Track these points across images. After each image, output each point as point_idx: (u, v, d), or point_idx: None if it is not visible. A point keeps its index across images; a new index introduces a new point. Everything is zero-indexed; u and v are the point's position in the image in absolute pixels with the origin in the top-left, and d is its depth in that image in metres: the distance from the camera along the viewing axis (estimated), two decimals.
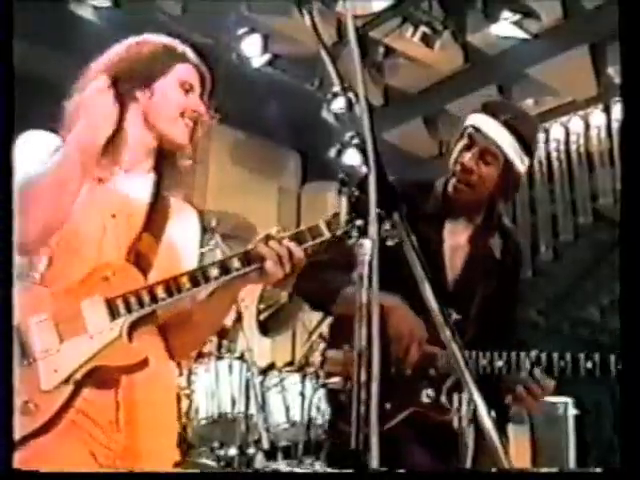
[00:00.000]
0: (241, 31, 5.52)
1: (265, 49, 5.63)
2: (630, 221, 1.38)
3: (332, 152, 6.51)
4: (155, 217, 1.75)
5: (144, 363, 1.62)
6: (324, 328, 4.20)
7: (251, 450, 3.65)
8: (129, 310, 1.59)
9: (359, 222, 1.25)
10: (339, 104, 5.96)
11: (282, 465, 3.65)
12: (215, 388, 3.78)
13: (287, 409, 3.90)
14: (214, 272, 1.63)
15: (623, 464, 1.30)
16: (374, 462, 1.04)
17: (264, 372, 4.01)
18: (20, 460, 1.47)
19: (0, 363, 1.39)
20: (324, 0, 4.74)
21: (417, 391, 2.22)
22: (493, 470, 1.30)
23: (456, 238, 2.36)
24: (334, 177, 5.58)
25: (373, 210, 1.11)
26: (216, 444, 3.70)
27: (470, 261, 2.36)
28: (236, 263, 1.63)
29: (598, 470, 1.38)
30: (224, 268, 1.63)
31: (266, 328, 4.20)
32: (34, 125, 1.78)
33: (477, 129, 2.26)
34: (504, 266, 2.41)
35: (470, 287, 2.34)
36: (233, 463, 3.62)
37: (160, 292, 1.60)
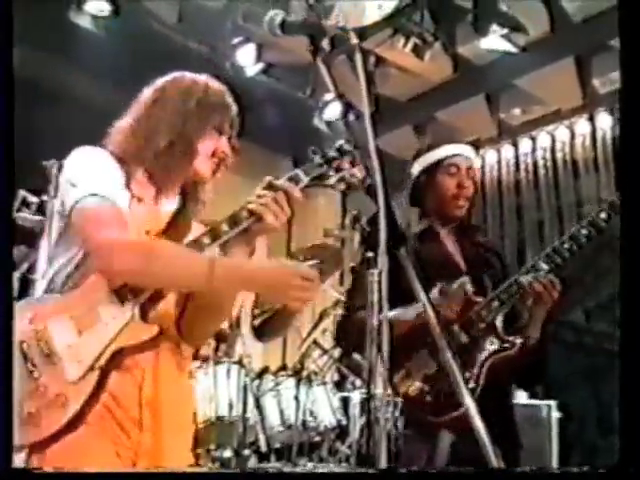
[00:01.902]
0: (236, 40, 5.61)
1: (259, 58, 5.72)
2: (630, 223, 1.45)
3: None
4: (178, 236, 1.85)
5: (160, 336, 1.74)
6: (317, 334, 4.32)
7: (246, 452, 3.74)
8: (134, 294, 1.70)
9: (369, 254, 1.37)
10: (331, 112, 6.07)
11: (276, 466, 3.76)
12: (213, 392, 3.87)
13: (282, 412, 4.02)
14: (206, 240, 1.74)
15: (621, 463, 1.37)
16: (382, 462, 1.16)
17: (259, 376, 4.10)
18: (51, 457, 1.60)
19: (0, 364, 1.49)
20: (318, 12, 4.85)
21: (481, 347, 2.46)
22: (491, 470, 1.39)
23: (451, 241, 2.74)
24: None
25: (383, 244, 1.23)
26: (212, 446, 3.80)
27: (466, 253, 2.73)
28: (225, 227, 1.75)
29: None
30: (214, 235, 1.74)
31: (260, 333, 4.29)
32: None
33: (458, 155, 2.71)
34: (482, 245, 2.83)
35: (477, 270, 2.67)
36: (229, 464, 3.71)
37: None
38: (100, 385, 1.66)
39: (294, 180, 1.80)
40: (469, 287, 2.51)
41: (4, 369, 1.51)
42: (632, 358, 1.40)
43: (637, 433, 1.37)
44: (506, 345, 2.47)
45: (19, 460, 1.58)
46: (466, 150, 2.75)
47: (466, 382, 2.41)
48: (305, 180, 1.79)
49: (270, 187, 1.78)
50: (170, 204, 1.92)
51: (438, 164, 2.70)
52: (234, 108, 1.95)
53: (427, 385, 2.43)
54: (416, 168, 2.77)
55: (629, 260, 1.44)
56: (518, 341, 2.47)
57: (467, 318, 2.48)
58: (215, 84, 1.95)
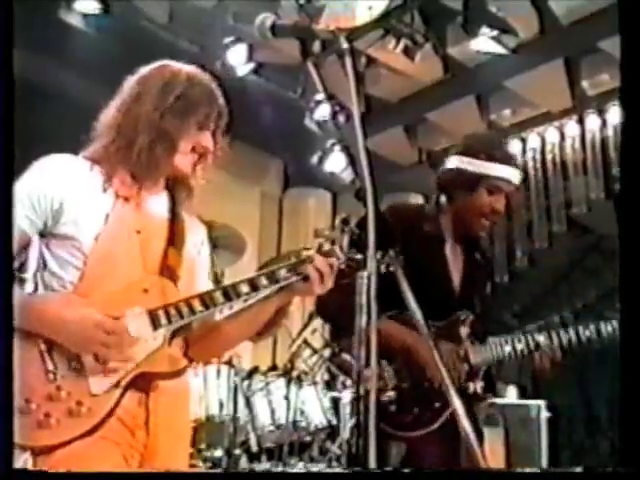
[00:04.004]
0: (227, 40, 5.62)
1: (250, 58, 5.73)
2: (630, 223, 1.47)
3: (314, 159, 6.63)
4: (175, 232, 1.87)
5: (184, 370, 1.80)
6: (308, 334, 4.33)
7: (237, 452, 3.76)
8: (169, 321, 1.72)
9: (359, 256, 1.39)
10: (322, 112, 6.08)
11: (267, 466, 3.77)
12: (203, 392, 3.88)
13: (272, 412, 4.03)
14: (244, 289, 1.77)
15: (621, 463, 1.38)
16: (372, 463, 1.17)
17: (249, 376, 4.11)
18: (57, 460, 1.60)
19: (0, 363, 1.47)
20: (308, 13, 4.86)
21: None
22: (490, 470, 1.41)
23: (455, 253, 2.75)
24: (316, 183, 5.70)
25: (372, 246, 1.24)
26: (203, 446, 3.81)
27: (466, 270, 2.74)
28: (264, 281, 1.78)
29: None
30: (253, 286, 1.78)
31: None
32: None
33: (505, 179, 2.64)
34: (483, 266, 2.85)
35: (470, 290, 2.73)
36: (219, 464, 3.73)
37: (197, 305, 1.74)
38: (120, 401, 1.68)
39: (331, 254, 1.78)
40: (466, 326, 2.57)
41: (5, 370, 1.49)
42: (632, 358, 1.41)
43: (637, 433, 1.38)
44: (478, 399, 2.55)
45: (23, 461, 1.58)
46: (515, 175, 2.66)
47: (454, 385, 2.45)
48: (342, 258, 1.76)
49: (320, 252, 1.78)
50: (158, 201, 1.89)
51: (481, 178, 2.59)
52: (221, 100, 1.89)
53: (395, 396, 2.45)
54: (454, 163, 2.65)
55: (629, 261, 1.46)
56: (487, 401, 2.57)
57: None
58: (199, 76, 1.88)
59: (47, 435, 1.60)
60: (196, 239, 1.96)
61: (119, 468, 1.66)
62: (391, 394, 2.46)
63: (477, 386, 2.52)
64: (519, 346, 2.58)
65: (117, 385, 1.67)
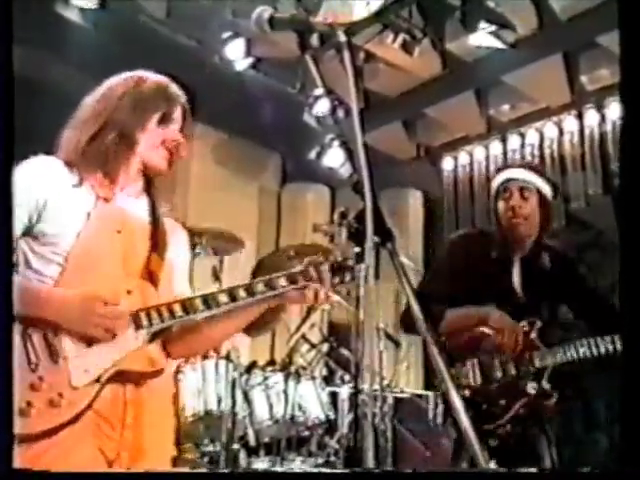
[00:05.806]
0: (225, 35, 5.61)
1: (248, 53, 5.72)
2: (629, 222, 1.47)
3: (312, 154, 6.63)
4: (157, 237, 1.94)
5: (161, 371, 1.86)
6: (306, 329, 4.33)
7: (235, 446, 3.76)
8: (150, 323, 1.79)
9: (357, 249, 1.40)
10: (321, 107, 6.07)
11: (265, 460, 3.78)
12: (202, 386, 3.88)
13: (270, 407, 4.04)
14: (223, 299, 1.84)
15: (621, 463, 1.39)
16: (370, 462, 1.17)
17: (248, 371, 4.11)
18: (32, 457, 1.63)
19: (0, 363, 1.49)
20: (306, 8, 4.85)
21: (522, 386, 2.66)
22: (490, 470, 1.41)
23: (518, 268, 2.94)
24: (314, 178, 5.71)
25: (369, 239, 1.24)
26: (201, 440, 3.82)
27: (530, 279, 2.93)
28: (242, 293, 1.84)
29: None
30: (232, 296, 1.85)
31: (248, 327, 4.28)
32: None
33: (509, 179, 2.96)
34: (554, 273, 2.97)
35: (536, 297, 2.90)
36: (218, 459, 3.73)
37: (178, 310, 1.82)
38: (98, 395, 1.73)
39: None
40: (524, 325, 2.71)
41: (4, 368, 1.52)
42: (632, 358, 1.42)
43: (637, 433, 1.38)
44: (545, 397, 2.66)
45: None
46: (519, 173, 2.95)
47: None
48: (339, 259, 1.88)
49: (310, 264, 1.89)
50: (138, 204, 1.96)
51: (497, 193, 2.96)
52: (182, 98, 1.98)
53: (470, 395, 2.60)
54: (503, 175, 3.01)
55: (629, 256, 1.46)
56: (554, 399, 2.66)
57: (520, 354, 2.67)
58: (154, 77, 1.98)
59: (28, 423, 1.64)
60: (177, 244, 2.03)
61: (95, 459, 1.71)
62: (465, 393, 2.58)
63: (544, 386, 2.66)
64: (582, 350, 2.67)
65: (97, 380, 1.72)
